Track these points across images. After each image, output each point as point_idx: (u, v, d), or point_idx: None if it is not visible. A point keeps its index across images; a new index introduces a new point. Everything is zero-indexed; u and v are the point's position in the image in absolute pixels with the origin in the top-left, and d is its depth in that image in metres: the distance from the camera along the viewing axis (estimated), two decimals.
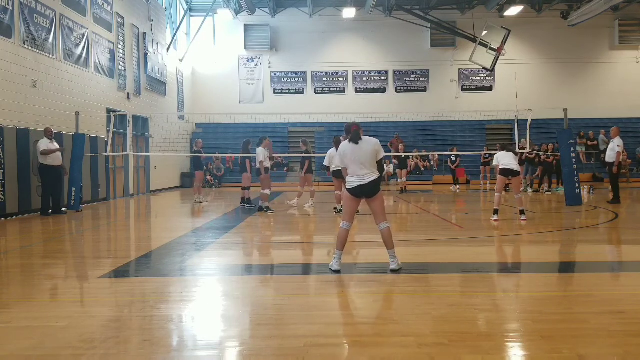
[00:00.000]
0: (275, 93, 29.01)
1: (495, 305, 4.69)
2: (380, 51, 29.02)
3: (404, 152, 21.49)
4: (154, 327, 4.13)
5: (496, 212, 10.65)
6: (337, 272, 5.82)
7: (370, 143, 5.88)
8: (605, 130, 24.82)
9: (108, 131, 16.10)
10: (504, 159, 10.56)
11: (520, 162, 19.66)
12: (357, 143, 5.85)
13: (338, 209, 12.08)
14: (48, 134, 12.56)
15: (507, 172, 10.52)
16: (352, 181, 5.90)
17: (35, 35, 13.53)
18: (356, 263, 6.71)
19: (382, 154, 5.93)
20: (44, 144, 12.39)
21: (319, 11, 28.18)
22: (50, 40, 14.27)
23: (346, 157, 5.91)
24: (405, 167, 20.02)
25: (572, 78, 28.81)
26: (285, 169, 26.56)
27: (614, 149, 13.62)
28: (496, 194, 10.91)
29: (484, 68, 23.84)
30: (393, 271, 5.82)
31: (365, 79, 29.19)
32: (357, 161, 5.84)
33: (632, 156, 26.11)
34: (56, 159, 12.57)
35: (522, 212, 10.55)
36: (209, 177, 24.62)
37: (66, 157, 13.36)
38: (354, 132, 5.89)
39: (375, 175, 5.85)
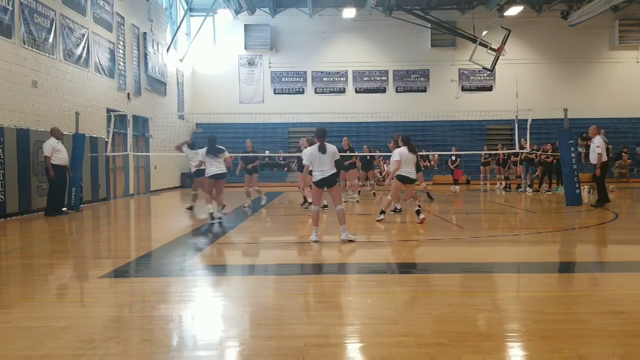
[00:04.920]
0: (275, 93, 29.01)
1: (495, 305, 4.69)
2: (380, 51, 29.01)
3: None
4: (154, 327, 4.13)
5: (382, 212, 10.45)
6: (316, 242, 7.73)
7: (331, 149, 7.96)
8: (605, 130, 24.79)
9: (108, 131, 16.10)
10: (407, 164, 10.06)
11: (520, 162, 19.70)
12: (324, 153, 7.87)
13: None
14: (57, 134, 12.40)
15: (405, 180, 10.16)
16: (317, 175, 7.97)
17: (35, 35, 13.52)
18: (356, 263, 6.70)
19: (338, 155, 8.08)
20: (53, 143, 12.25)
21: (319, 11, 28.19)
22: (50, 40, 14.26)
23: (315, 159, 7.92)
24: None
25: (572, 78, 28.79)
26: (286, 168, 26.57)
27: (596, 150, 12.68)
28: (388, 198, 10.52)
29: (484, 68, 23.85)
30: (343, 241, 7.77)
31: (365, 79, 29.18)
32: (322, 162, 7.91)
33: (632, 156, 26.11)
34: (64, 159, 12.55)
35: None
36: None
37: None
38: (321, 145, 7.89)
39: (333, 170, 7.96)
